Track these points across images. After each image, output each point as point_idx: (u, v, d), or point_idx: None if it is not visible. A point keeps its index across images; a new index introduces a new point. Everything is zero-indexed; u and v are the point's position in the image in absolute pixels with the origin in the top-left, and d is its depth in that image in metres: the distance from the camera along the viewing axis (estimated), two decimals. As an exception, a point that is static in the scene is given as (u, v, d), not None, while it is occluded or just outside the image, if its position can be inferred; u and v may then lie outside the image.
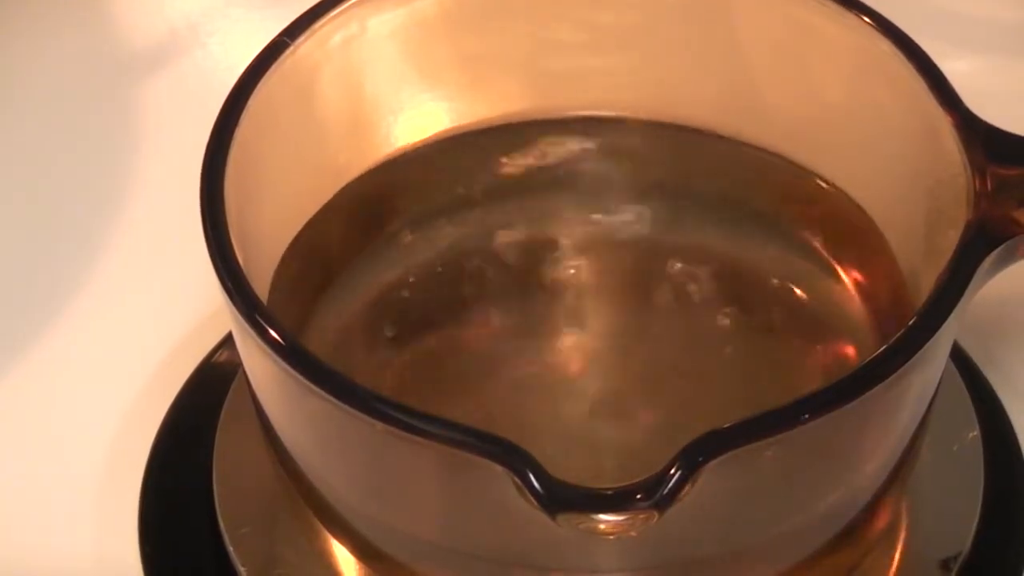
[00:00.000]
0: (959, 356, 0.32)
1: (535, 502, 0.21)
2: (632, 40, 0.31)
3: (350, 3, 0.29)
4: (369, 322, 0.30)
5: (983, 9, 0.40)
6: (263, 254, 0.28)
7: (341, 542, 0.27)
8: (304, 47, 0.28)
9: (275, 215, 0.29)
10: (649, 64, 0.31)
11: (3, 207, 0.37)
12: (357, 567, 0.28)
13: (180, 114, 0.39)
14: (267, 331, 0.24)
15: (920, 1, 0.38)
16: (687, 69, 0.31)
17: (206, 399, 0.32)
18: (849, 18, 0.28)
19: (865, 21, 0.28)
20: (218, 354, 0.33)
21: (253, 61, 0.27)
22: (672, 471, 0.21)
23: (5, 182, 0.38)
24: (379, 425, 0.22)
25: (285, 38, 0.28)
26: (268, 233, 0.28)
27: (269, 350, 0.24)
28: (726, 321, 0.30)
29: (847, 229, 0.30)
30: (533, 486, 0.21)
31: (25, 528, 0.31)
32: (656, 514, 0.21)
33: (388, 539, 0.26)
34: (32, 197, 0.38)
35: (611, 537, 0.22)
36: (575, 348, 0.31)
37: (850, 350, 0.30)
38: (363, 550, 0.27)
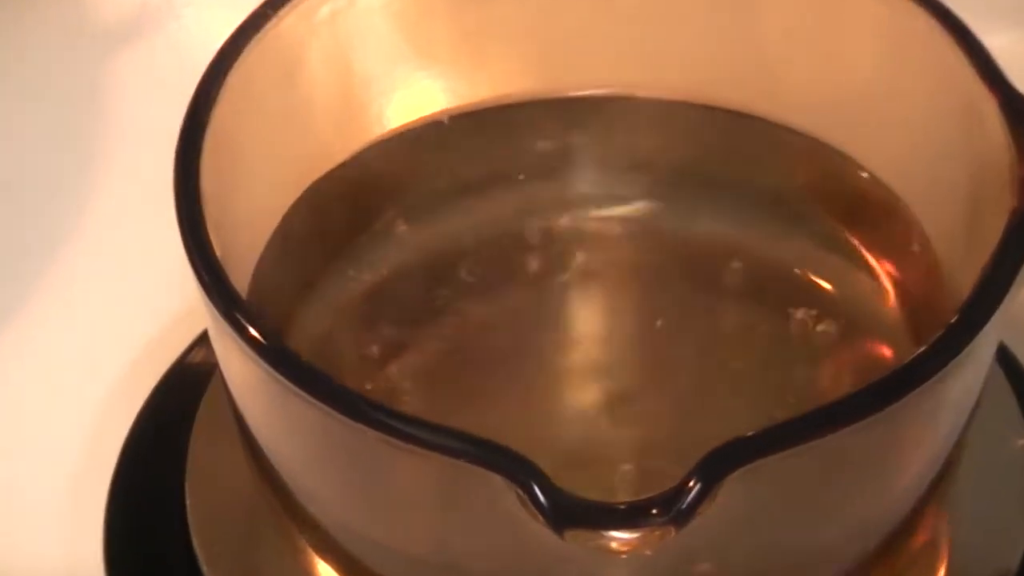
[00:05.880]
0: (1005, 357, 0.32)
1: (540, 517, 0.22)
2: (645, 11, 0.31)
3: (338, -29, 0.29)
4: (359, 320, 0.31)
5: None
6: (243, 245, 0.28)
7: (327, 560, 0.28)
8: (288, 20, 0.28)
9: (256, 202, 0.29)
10: (664, 37, 0.32)
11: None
12: (343, 586, 0.28)
13: (152, 92, 0.39)
14: (247, 329, 0.24)
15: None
16: (704, 42, 0.31)
17: (179, 403, 0.32)
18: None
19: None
20: (192, 354, 0.33)
21: (232, 35, 0.28)
22: (691, 483, 0.21)
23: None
24: (370, 432, 0.23)
25: (267, 9, 0.28)
26: (248, 222, 0.28)
27: (249, 350, 0.24)
28: (748, 318, 0.31)
29: (880, 217, 0.30)
30: (538, 499, 0.21)
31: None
32: (673, 530, 0.21)
33: (379, 557, 0.26)
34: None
35: (623, 556, 0.22)
36: (584, 349, 0.31)
37: (884, 351, 0.30)
38: (351, 569, 0.27)
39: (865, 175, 0.30)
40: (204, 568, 0.30)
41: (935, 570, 0.29)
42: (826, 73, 0.30)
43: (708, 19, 0.31)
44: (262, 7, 0.28)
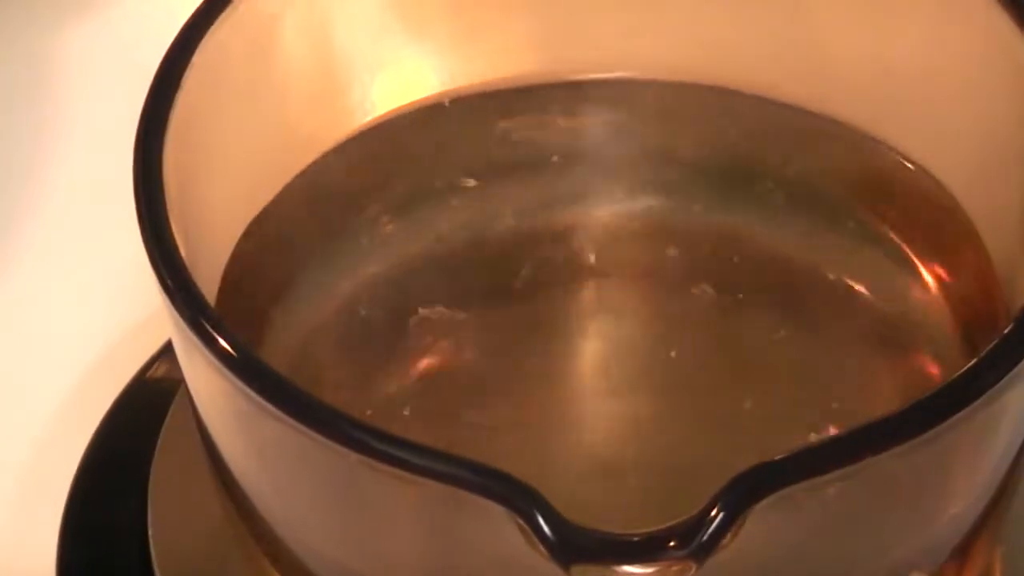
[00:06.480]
0: None
1: (544, 550, 0.22)
2: None
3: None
4: (341, 330, 0.31)
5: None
6: (211, 245, 0.28)
7: None
8: None
9: (226, 197, 0.29)
10: (682, 12, 0.32)
11: None
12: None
13: (107, 71, 0.39)
14: (216, 339, 0.24)
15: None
16: (728, 17, 0.32)
17: (139, 423, 0.32)
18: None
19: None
20: (154, 367, 0.33)
21: (200, 6, 0.28)
22: (713, 512, 0.22)
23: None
24: (353, 456, 0.23)
25: None
26: (218, 219, 0.29)
27: (218, 362, 0.24)
28: (778, 328, 0.31)
29: (928, 215, 0.31)
30: (542, 531, 0.22)
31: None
32: (693, 565, 0.22)
33: None
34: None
35: None
36: (593, 362, 0.31)
37: (931, 364, 0.30)
38: None
39: (910, 166, 0.31)
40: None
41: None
42: (869, 54, 0.31)
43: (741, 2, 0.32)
44: (234, -25, 0.28)
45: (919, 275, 0.31)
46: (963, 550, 0.27)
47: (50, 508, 0.32)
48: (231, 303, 0.28)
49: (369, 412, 0.29)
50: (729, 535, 0.22)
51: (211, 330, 0.24)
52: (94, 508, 0.32)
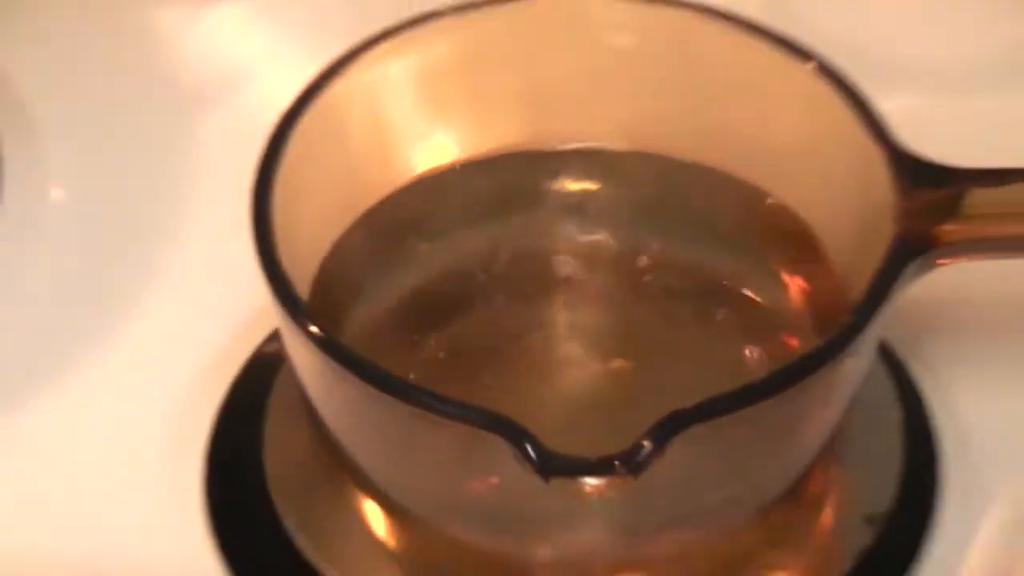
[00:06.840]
0: (884, 348, 0.33)
1: (531, 468, 0.23)
2: (614, 83, 0.32)
3: (376, 50, 0.30)
4: (395, 320, 0.31)
5: (923, 50, 0.41)
6: (305, 263, 0.28)
7: (371, 499, 0.29)
8: (336, 87, 0.29)
9: (313, 230, 0.29)
10: (628, 103, 0.32)
11: (76, 215, 0.37)
12: (384, 520, 0.29)
13: (235, 145, 0.35)
14: (308, 327, 0.25)
15: (861, 45, 0.37)
16: (663, 109, 0.32)
17: (258, 384, 0.32)
18: (798, 63, 0.29)
19: (811, 65, 0.29)
20: (268, 345, 0.33)
21: (294, 99, 0.28)
22: (645, 443, 0.23)
23: (80, 194, 0.38)
24: (404, 406, 0.24)
25: (321, 80, 0.29)
26: (308, 246, 0.29)
27: (310, 343, 0.25)
28: (690, 323, 0.31)
29: (793, 242, 0.31)
30: (529, 455, 0.23)
31: (92, 515, 0.31)
32: (632, 478, 0.23)
33: (410, 497, 0.28)
34: (104, 208, 0.38)
35: (595, 497, 0.24)
36: (569, 347, 0.32)
37: (794, 344, 0.31)
38: (389, 506, 0.28)
39: (783, 210, 0.31)
40: (279, 508, 0.30)
41: (828, 508, 0.30)
42: (756, 132, 0.31)
43: (667, 88, 0.32)
44: (317, 79, 0.29)
45: (787, 285, 0.31)
46: (814, 467, 0.28)
47: (195, 444, 0.32)
48: (319, 302, 0.28)
49: (415, 375, 0.29)
50: (656, 458, 0.23)
51: (305, 321, 0.25)
52: (228, 443, 0.31)
